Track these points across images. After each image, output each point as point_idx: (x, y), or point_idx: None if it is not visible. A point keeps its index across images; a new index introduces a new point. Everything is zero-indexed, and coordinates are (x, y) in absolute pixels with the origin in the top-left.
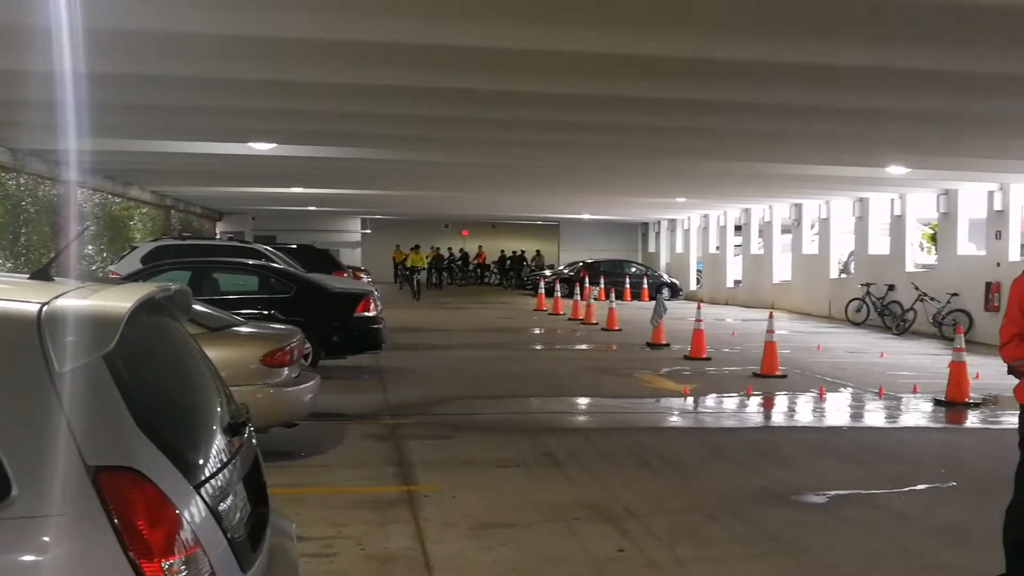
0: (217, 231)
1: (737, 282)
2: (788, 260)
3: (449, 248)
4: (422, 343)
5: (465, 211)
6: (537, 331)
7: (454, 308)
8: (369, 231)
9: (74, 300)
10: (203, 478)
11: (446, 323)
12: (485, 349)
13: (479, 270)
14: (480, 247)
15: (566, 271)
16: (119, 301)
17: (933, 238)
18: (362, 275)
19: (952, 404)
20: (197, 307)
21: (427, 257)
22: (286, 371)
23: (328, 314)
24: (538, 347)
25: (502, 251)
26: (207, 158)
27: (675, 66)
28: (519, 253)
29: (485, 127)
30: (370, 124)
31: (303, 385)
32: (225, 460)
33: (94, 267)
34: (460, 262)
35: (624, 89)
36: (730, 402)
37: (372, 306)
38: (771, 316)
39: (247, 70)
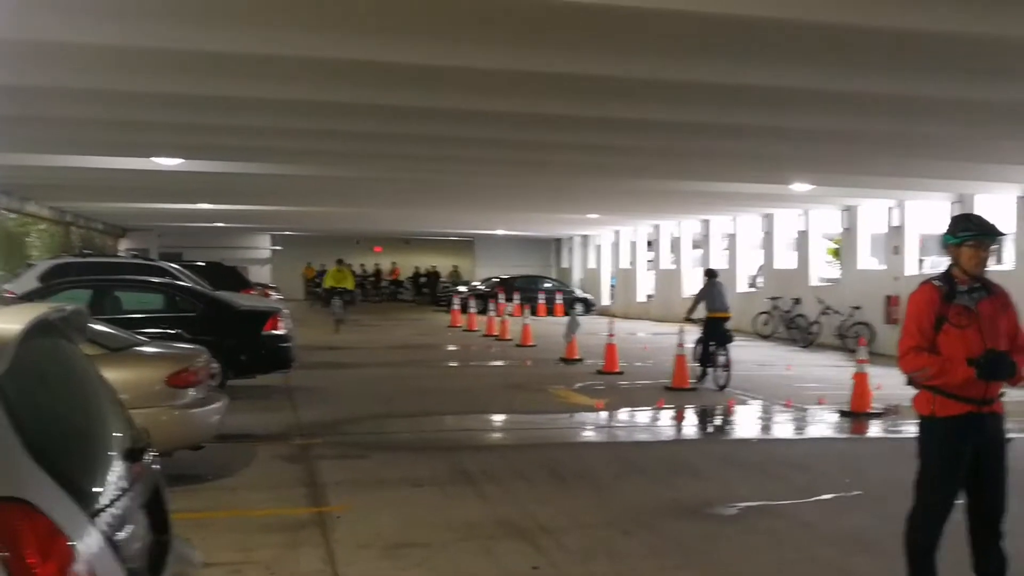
0: (120, 248)
1: (649, 296)
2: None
3: (362, 264)
4: (334, 361)
5: (378, 227)
6: (452, 348)
7: (367, 325)
8: (279, 248)
9: None
10: (99, 507)
11: (359, 341)
12: (399, 367)
13: (392, 286)
14: (394, 263)
15: (481, 287)
16: (9, 323)
17: (837, 252)
18: (271, 293)
19: (856, 415)
20: (98, 327)
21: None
22: (192, 392)
23: (236, 333)
24: (453, 364)
25: (416, 267)
26: (109, 173)
27: (584, 84)
28: (433, 269)
29: (397, 143)
30: (279, 139)
31: (210, 406)
32: (124, 487)
33: None
34: (373, 278)
35: (535, 106)
36: (642, 416)
37: (281, 324)
38: (682, 330)
39: (150, 83)
